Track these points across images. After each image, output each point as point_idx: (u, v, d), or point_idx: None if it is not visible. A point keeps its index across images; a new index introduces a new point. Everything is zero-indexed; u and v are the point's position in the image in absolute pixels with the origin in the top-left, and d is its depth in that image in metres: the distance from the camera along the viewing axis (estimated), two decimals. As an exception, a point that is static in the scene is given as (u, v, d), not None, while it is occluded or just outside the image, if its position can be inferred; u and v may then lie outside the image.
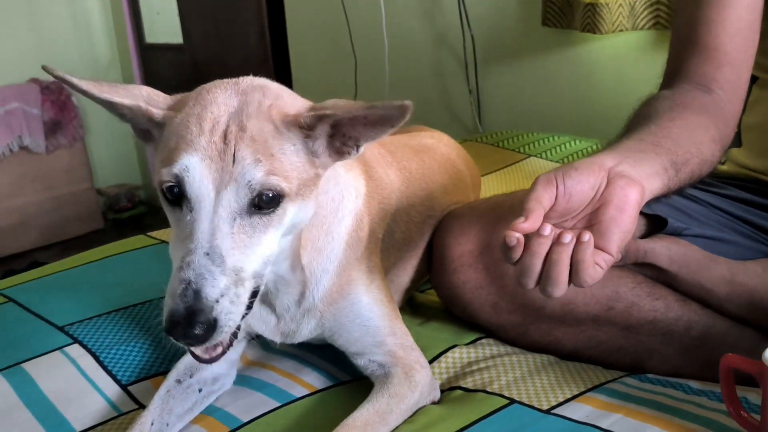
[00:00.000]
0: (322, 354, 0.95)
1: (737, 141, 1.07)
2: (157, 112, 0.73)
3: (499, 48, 2.27)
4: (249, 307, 0.69)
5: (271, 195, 0.66)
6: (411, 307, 1.08)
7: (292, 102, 0.73)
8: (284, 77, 3.13)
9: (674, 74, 0.95)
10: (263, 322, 0.88)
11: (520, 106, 2.25)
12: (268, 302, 0.85)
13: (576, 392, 0.82)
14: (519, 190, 1.08)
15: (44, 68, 0.75)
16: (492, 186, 1.57)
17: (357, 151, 0.72)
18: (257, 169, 0.65)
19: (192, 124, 0.68)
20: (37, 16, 3.68)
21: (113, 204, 3.77)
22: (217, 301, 0.63)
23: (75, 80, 0.72)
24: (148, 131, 0.77)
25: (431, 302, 1.09)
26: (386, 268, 0.94)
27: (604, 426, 0.75)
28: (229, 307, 0.64)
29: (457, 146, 1.23)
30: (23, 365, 0.97)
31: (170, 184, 0.67)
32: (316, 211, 0.78)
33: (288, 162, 0.68)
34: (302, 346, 0.97)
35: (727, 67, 0.91)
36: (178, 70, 3.59)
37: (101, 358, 0.97)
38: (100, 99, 0.73)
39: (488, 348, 0.94)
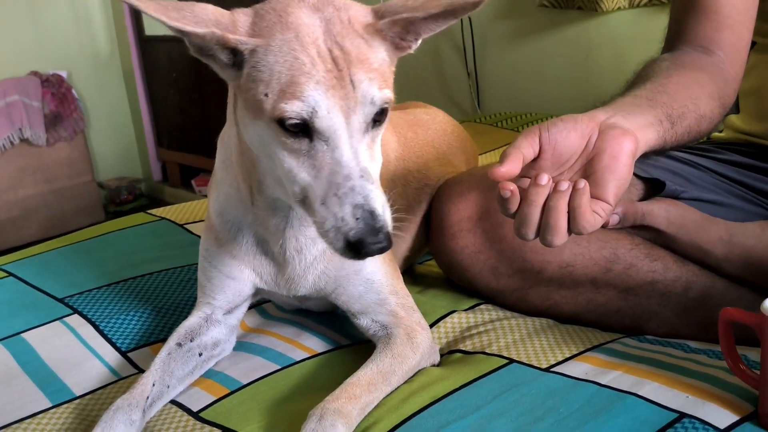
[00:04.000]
0: (322, 319, 0.96)
1: (735, 108, 1.07)
2: (243, 41, 0.70)
3: (497, 29, 2.27)
4: None
5: (387, 107, 0.70)
6: (411, 276, 1.08)
7: (360, 8, 0.74)
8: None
9: (675, 38, 0.95)
10: (269, 267, 0.87)
11: (519, 87, 2.25)
12: (276, 241, 0.84)
13: (575, 352, 0.83)
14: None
15: None
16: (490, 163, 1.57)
17: (416, 43, 0.74)
18: (373, 88, 0.68)
19: (298, 52, 0.68)
20: (37, 9, 3.68)
21: (114, 197, 3.77)
22: (385, 214, 0.68)
23: (142, 5, 0.68)
24: (216, 56, 0.72)
25: (430, 272, 1.10)
26: None
27: (603, 382, 0.75)
28: (389, 214, 0.69)
29: (453, 123, 1.22)
30: (23, 335, 0.98)
31: (298, 120, 0.67)
32: None
33: (387, 70, 0.71)
34: (302, 312, 0.98)
35: (728, 29, 0.91)
36: (177, 61, 3.59)
37: (101, 327, 0.98)
38: (171, 27, 0.69)
39: (487, 313, 0.95)
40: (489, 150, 1.63)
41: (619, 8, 1.87)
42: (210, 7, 0.72)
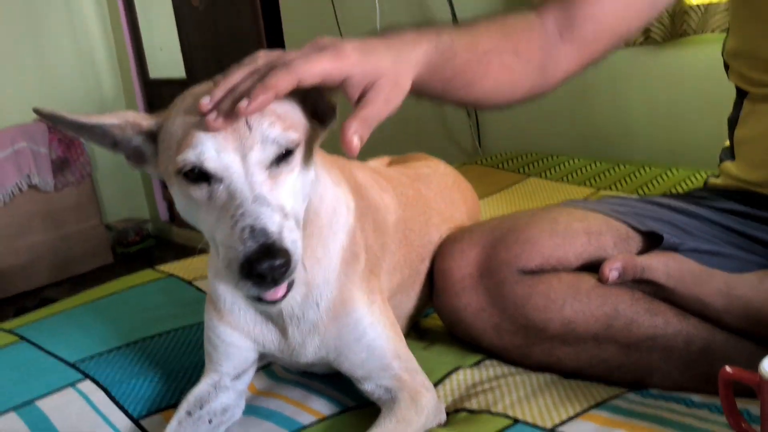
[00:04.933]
0: (329, 381, 0.97)
1: (730, 154, 1.09)
2: (148, 121, 0.77)
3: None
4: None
5: (291, 147, 0.72)
6: (415, 331, 1.09)
7: None
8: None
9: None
10: (271, 332, 0.89)
11: (519, 126, 2.27)
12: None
13: (579, 410, 0.83)
14: (516, 212, 1.10)
15: (34, 110, 0.78)
16: (494, 207, 1.59)
17: (334, 114, 0.77)
18: (275, 129, 0.70)
19: (191, 113, 0.71)
20: (43, 55, 3.74)
21: (122, 238, 3.80)
22: (281, 233, 0.66)
23: (62, 114, 0.76)
24: (140, 152, 0.80)
25: (434, 326, 1.11)
26: (390, 291, 0.95)
27: (607, 442, 0.76)
28: (290, 235, 0.67)
29: (455, 173, 1.24)
30: (36, 402, 0.99)
31: (191, 166, 0.70)
32: (313, 219, 0.82)
33: (296, 119, 0.74)
34: (309, 374, 0.99)
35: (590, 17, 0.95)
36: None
37: (112, 393, 0.99)
38: (88, 125, 0.76)
39: (491, 369, 0.96)
40: (491, 194, 1.65)
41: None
42: (132, 112, 0.79)
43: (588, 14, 0.95)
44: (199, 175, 0.71)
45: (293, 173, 0.73)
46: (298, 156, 0.73)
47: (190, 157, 0.69)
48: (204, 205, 0.72)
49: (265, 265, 0.64)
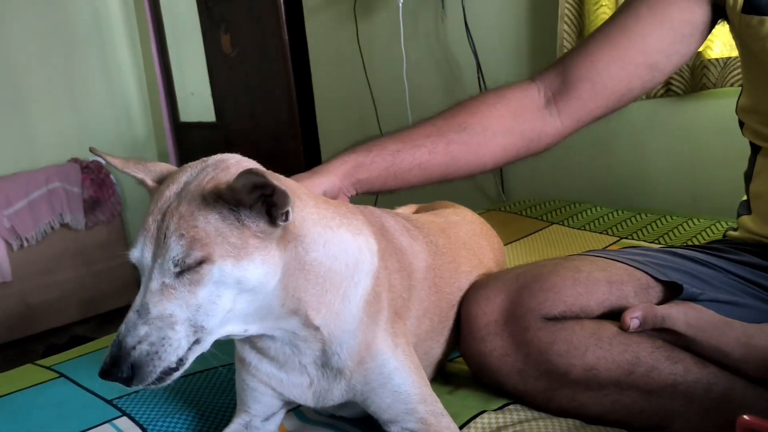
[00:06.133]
0: (357, 424, 0.99)
1: (747, 209, 1.12)
2: (151, 186, 0.84)
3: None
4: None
5: (194, 262, 0.74)
6: (441, 376, 1.12)
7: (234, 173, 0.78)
8: (313, 150, 3.24)
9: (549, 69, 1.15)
10: (295, 386, 0.90)
11: (542, 174, 2.31)
12: (294, 362, 0.89)
13: (601, 455, 0.86)
14: (540, 260, 1.13)
15: (91, 150, 0.90)
16: (517, 253, 1.62)
17: (286, 218, 0.76)
18: (178, 244, 0.74)
19: (152, 201, 0.79)
20: (79, 98, 3.86)
21: (149, 277, 3.86)
22: (134, 348, 0.73)
23: (108, 157, 0.87)
24: None
25: (459, 370, 1.13)
26: (418, 337, 0.97)
27: (629, 488, 0.78)
28: (147, 349, 0.74)
29: (481, 221, 1.27)
30: (76, 438, 1.03)
31: (131, 261, 0.79)
32: (328, 276, 0.84)
33: (213, 228, 0.74)
34: (337, 417, 1.02)
35: (584, 92, 1.10)
36: (211, 146, 3.71)
37: (149, 430, 1.03)
38: (124, 173, 0.87)
39: (516, 414, 0.98)
40: (514, 240, 1.68)
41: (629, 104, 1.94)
42: (165, 165, 0.89)
43: (583, 75, 1.08)
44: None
45: (200, 286, 0.75)
46: (210, 271, 0.74)
47: (131, 251, 0.79)
48: None
49: (110, 376, 0.74)
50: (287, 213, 0.75)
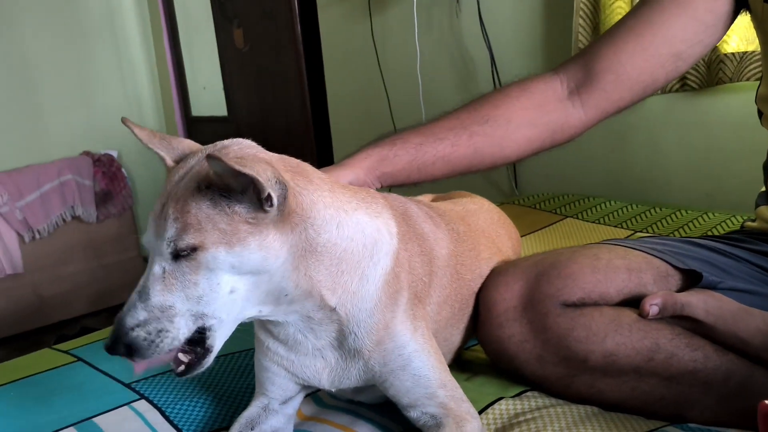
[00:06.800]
0: (375, 409, 1.00)
1: (766, 199, 1.12)
2: (170, 165, 0.86)
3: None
4: (199, 343, 0.80)
5: (186, 246, 0.75)
6: (457, 363, 1.12)
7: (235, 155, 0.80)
8: (325, 145, 3.24)
9: (571, 61, 1.15)
10: (308, 368, 0.91)
11: (555, 168, 2.31)
12: (307, 347, 0.89)
13: (620, 441, 0.86)
14: (559, 248, 1.13)
15: (123, 121, 0.90)
16: (531, 246, 1.62)
17: (271, 203, 0.76)
18: (173, 227, 0.76)
19: (166, 182, 0.82)
20: (91, 92, 3.88)
21: (159, 270, 3.88)
22: (132, 329, 0.76)
23: (136, 129, 0.88)
24: None
25: (476, 358, 1.14)
26: (438, 324, 0.97)
27: (648, 473, 0.78)
28: (144, 336, 0.76)
29: (498, 210, 1.27)
30: (95, 419, 1.03)
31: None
32: (344, 257, 0.84)
33: (204, 215, 0.75)
34: (355, 402, 1.02)
35: (608, 84, 1.10)
36: (222, 140, 3.73)
37: (167, 413, 1.03)
38: (147, 147, 0.88)
39: (533, 400, 0.98)
40: (527, 233, 1.68)
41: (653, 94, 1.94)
42: (188, 141, 0.90)
43: (606, 66, 1.08)
44: None
45: (197, 275, 0.76)
46: (204, 259, 0.76)
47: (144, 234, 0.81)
48: None
49: (110, 350, 0.77)
50: (270, 197, 0.75)
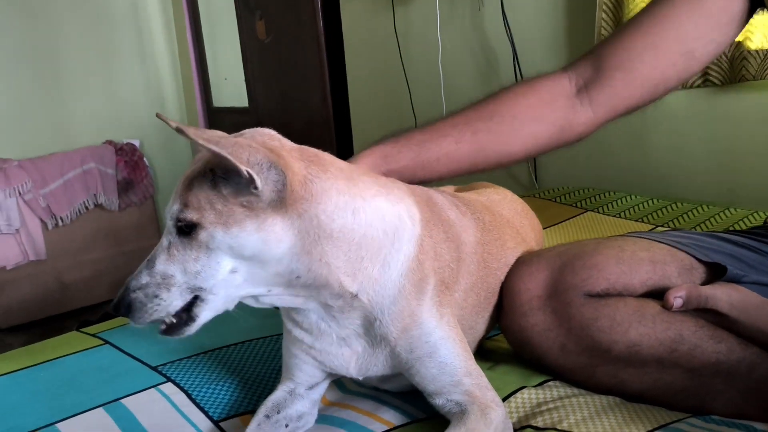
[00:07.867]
0: (399, 395, 1.01)
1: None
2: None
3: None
4: (187, 311, 0.84)
5: (185, 223, 0.80)
6: (480, 353, 1.13)
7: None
8: (345, 136, 3.25)
9: (582, 58, 1.13)
10: (335, 357, 0.92)
11: (576, 162, 2.31)
12: (330, 336, 0.91)
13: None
14: (582, 239, 1.13)
15: (158, 115, 0.89)
16: (552, 238, 1.62)
17: (255, 186, 0.78)
18: (177, 203, 0.81)
19: None
20: (114, 82, 3.92)
21: (178, 259, 3.91)
22: (134, 291, 0.82)
23: (183, 127, 0.87)
24: None
25: (498, 348, 1.15)
26: (464, 311, 0.98)
27: (671, 462, 0.78)
28: (142, 298, 0.82)
29: (521, 202, 1.28)
30: (122, 401, 1.05)
31: None
32: (363, 243, 0.85)
33: (203, 195, 0.80)
34: (380, 390, 1.04)
35: (619, 80, 1.08)
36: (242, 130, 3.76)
37: (193, 396, 1.05)
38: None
39: (556, 390, 0.99)
40: (548, 226, 1.68)
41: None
42: (219, 133, 0.89)
43: (616, 63, 1.07)
44: None
45: (197, 251, 0.81)
46: (203, 236, 0.80)
47: None
48: None
49: (114, 308, 0.84)
50: (253, 180, 0.78)
